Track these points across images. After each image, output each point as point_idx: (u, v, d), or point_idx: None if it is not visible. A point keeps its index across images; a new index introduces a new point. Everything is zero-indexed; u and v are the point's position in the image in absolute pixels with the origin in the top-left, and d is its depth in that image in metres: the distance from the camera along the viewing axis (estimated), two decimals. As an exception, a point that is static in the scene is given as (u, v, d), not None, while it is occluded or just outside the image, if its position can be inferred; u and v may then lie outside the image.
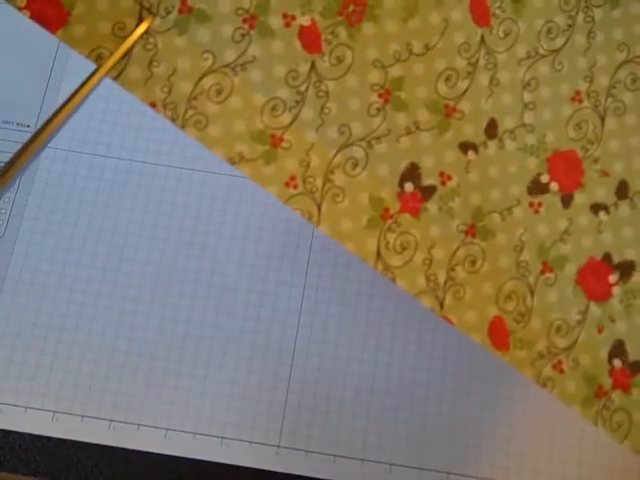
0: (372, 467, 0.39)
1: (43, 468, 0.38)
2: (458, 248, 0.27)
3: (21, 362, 0.40)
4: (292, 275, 0.42)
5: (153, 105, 0.24)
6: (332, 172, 0.26)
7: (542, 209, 0.29)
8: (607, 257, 0.30)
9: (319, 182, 0.26)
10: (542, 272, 0.29)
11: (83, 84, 0.23)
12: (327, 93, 0.26)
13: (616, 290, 0.30)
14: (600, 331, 0.29)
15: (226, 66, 0.25)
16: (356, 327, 0.41)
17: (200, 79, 0.25)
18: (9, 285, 0.41)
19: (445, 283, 0.27)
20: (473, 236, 0.28)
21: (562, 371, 0.28)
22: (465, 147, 0.28)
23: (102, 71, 0.23)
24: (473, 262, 0.28)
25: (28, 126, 0.44)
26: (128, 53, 0.24)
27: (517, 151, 0.29)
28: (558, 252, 0.29)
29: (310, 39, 0.26)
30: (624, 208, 0.30)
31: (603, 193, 0.30)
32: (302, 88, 0.26)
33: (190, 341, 0.40)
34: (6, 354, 0.40)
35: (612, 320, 0.29)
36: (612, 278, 0.30)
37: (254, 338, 0.41)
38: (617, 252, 0.30)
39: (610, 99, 0.30)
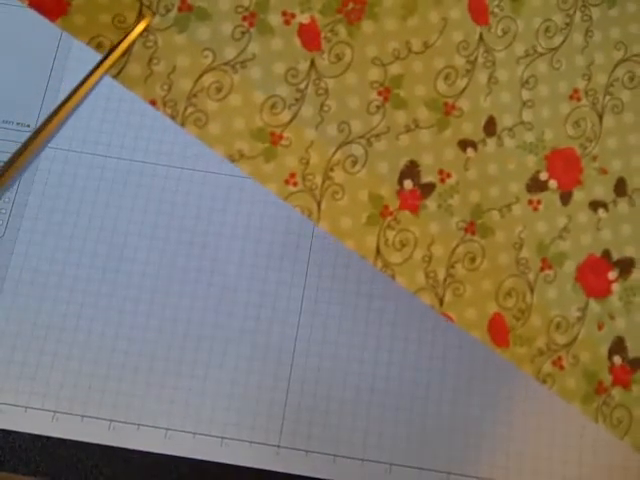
0: (372, 467, 0.39)
1: (43, 468, 0.38)
2: (457, 245, 0.27)
3: (21, 362, 0.40)
4: (292, 275, 0.42)
5: (153, 103, 0.25)
6: (332, 169, 0.26)
7: (541, 206, 0.29)
8: (606, 254, 0.30)
9: (319, 179, 0.26)
10: (541, 269, 0.29)
11: (82, 82, 0.23)
12: (327, 91, 0.26)
13: (615, 287, 0.30)
14: (600, 328, 0.29)
15: (226, 64, 0.25)
16: (356, 327, 0.41)
17: (200, 77, 0.25)
18: (9, 285, 0.41)
19: (445, 280, 0.27)
20: (472, 233, 0.28)
21: (562, 367, 0.28)
22: (464, 145, 0.28)
23: (102, 69, 0.23)
24: (472, 259, 0.28)
25: (28, 126, 0.44)
26: (127, 51, 0.24)
27: (516, 149, 0.29)
28: (557, 249, 0.29)
29: (309, 37, 0.26)
30: (623, 205, 0.30)
31: (602, 190, 0.30)
32: (302, 86, 0.26)
33: (190, 341, 0.40)
34: (6, 354, 0.40)
35: (612, 317, 0.29)
36: (611, 275, 0.30)
37: (254, 338, 0.41)
38: (616, 249, 0.30)
39: (608, 97, 0.30)
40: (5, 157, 0.43)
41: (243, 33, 0.26)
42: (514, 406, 0.40)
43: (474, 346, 0.41)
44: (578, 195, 0.30)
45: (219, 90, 0.25)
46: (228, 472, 0.38)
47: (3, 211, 0.42)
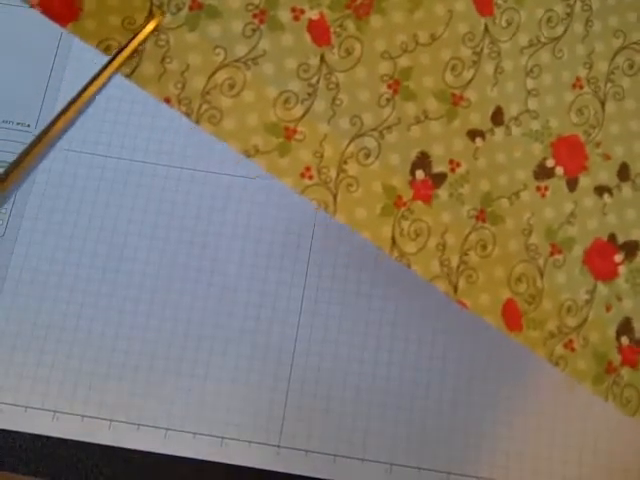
0: (372, 467, 0.39)
1: (43, 468, 0.38)
2: (470, 233, 0.28)
3: (21, 362, 0.40)
4: (292, 275, 0.42)
5: (167, 101, 0.25)
6: (345, 162, 0.27)
7: (548, 193, 0.30)
8: (612, 238, 0.30)
9: (333, 172, 0.26)
10: (551, 254, 0.29)
11: (91, 82, 0.23)
12: (337, 85, 0.27)
13: (622, 269, 0.30)
14: (608, 309, 0.30)
15: (238, 60, 0.26)
16: (356, 327, 0.41)
17: (213, 74, 0.25)
18: (9, 285, 0.41)
19: (458, 267, 0.28)
20: (483, 221, 0.28)
21: (573, 349, 0.29)
22: (473, 134, 0.29)
23: (110, 69, 0.23)
24: (484, 246, 0.28)
25: (28, 126, 0.44)
26: (137, 51, 0.24)
27: (522, 137, 0.30)
28: (565, 234, 0.30)
29: (319, 32, 0.27)
30: (627, 190, 0.31)
31: (606, 176, 0.31)
32: (313, 80, 0.27)
33: (190, 341, 0.40)
34: (6, 354, 0.40)
35: (619, 299, 0.30)
36: (618, 258, 0.30)
37: (254, 338, 0.41)
38: (622, 233, 0.31)
39: (609, 84, 0.31)
40: (5, 157, 0.43)
41: (254, 30, 0.26)
42: (514, 406, 0.40)
43: (474, 346, 0.41)
44: (584, 181, 0.30)
45: (232, 87, 0.26)
46: (228, 472, 0.38)
47: (3, 211, 0.42)
